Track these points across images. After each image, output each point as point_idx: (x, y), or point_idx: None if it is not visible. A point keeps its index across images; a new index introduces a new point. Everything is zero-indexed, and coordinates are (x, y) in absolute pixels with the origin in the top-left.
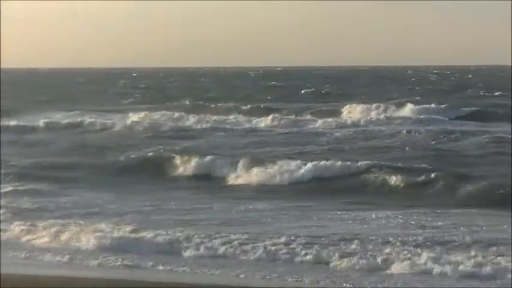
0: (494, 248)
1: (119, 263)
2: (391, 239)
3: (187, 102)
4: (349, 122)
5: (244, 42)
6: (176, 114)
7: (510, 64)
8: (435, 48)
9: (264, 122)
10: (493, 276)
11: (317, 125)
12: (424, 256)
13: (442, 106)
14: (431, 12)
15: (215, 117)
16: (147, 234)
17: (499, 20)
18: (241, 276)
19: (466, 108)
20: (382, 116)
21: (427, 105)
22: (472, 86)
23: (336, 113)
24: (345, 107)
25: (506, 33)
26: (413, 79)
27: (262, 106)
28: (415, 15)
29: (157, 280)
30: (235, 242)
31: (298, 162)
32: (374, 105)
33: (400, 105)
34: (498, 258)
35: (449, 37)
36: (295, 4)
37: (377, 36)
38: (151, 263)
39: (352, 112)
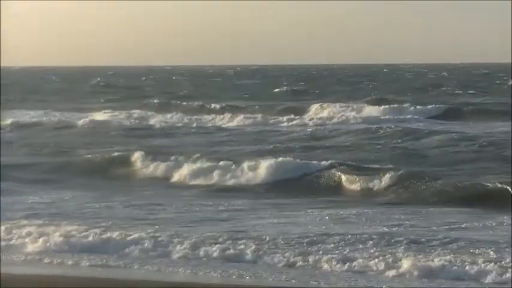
0: (454, 246)
1: (100, 262)
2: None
3: (155, 100)
4: (313, 120)
5: (228, 41)
6: (142, 113)
7: (484, 63)
8: (414, 47)
9: (229, 120)
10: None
11: (281, 124)
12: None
13: (412, 105)
14: (409, 11)
15: (180, 116)
16: (114, 235)
17: (479, 18)
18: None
19: (438, 106)
20: (348, 115)
21: (396, 105)
22: (446, 84)
23: (304, 111)
24: (313, 106)
25: (485, 31)
26: (392, 77)
27: (232, 105)
28: (394, 14)
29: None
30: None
31: (254, 161)
32: (343, 104)
33: (371, 104)
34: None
35: (428, 35)
36: (278, 3)
37: (357, 35)
38: (122, 263)
39: (319, 111)
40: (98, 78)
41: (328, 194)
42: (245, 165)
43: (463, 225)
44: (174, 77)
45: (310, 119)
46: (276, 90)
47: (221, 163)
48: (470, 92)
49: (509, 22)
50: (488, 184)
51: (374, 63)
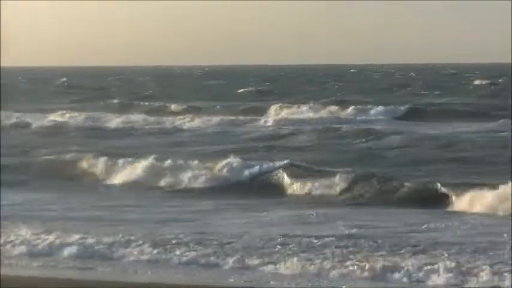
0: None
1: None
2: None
3: (116, 101)
4: (273, 121)
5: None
6: (100, 114)
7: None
8: (385, 47)
9: (189, 121)
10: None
11: (241, 125)
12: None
13: (375, 106)
14: (381, 11)
15: (138, 116)
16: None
17: (450, 18)
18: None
19: (401, 107)
20: (308, 115)
21: (359, 106)
22: (412, 85)
23: (264, 112)
24: (273, 106)
25: (457, 31)
26: (360, 77)
27: (194, 106)
28: (364, 15)
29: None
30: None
31: (209, 162)
32: (303, 105)
33: (334, 104)
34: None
35: (401, 35)
36: (254, 3)
37: (328, 35)
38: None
39: (279, 111)
40: (63, 79)
41: (280, 195)
42: (199, 165)
43: (423, 226)
44: (143, 78)
45: (270, 120)
46: (241, 90)
47: (174, 163)
48: (435, 92)
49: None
50: (438, 185)
51: (345, 64)
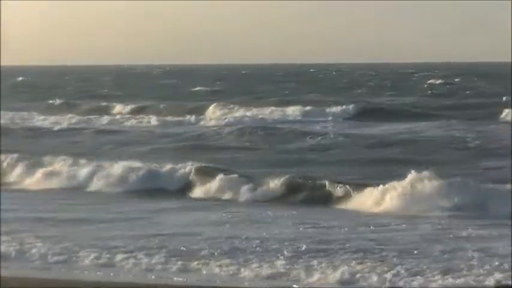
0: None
1: None
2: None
3: (57, 101)
4: (209, 121)
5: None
6: (32, 114)
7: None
8: (349, 47)
9: (125, 120)
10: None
11: (176, 124)
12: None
13: (321, 105)
14: (344, 11)
15: (72, 116)
16: None
17: (413, 18)
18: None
19: (348, 106)
20: (244, 115)
21: (309, 107)
22: (368, 84)
23: (204, 111)
24: (211, 106)
25: (418, 32)
26: (319, 76)
27: (141, 105)
28: (327, 14)
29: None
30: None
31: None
32: (239, 105)
33: (283, 104)
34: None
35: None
36: (220, 3)
37: (293, 34)
38: None
39: (216, 111)
40: (20, 78)
41: (184, 197)
42: (107, 167)
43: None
44: (102, 77)
45: (206, 120)
46: (195, 89)
47: (83, 165)
48: (389, 92)
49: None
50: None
51: (307, 63)
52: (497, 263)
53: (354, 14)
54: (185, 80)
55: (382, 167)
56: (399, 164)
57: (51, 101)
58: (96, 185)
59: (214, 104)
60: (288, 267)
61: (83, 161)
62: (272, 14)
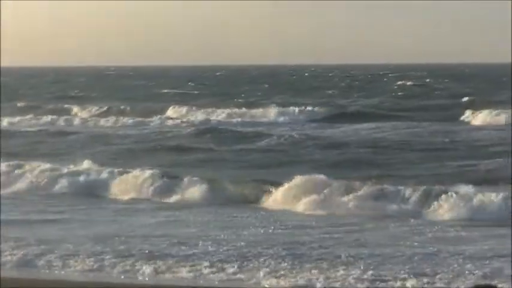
0: None
1: None
2: None
3: (22, 103)
4: (163, 123)
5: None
6: None
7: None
8: (326, 48)
9: (82, 122)
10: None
11: (128, 126)
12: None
13: (284, 106)
14: (321, 12)
15: (31, 117)
16: None
17: (391, 18)
18: None
19: (315, 109)
20: (198, 117)
21: (266, 108)
22: (338, 86)
23: (163, 112)
24: (170, 108)
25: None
26: (293, 78)
27: (111, 107)
28: (298, 15)
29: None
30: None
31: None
32: (194, 106)
33: (250, 106)
34: None
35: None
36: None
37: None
38: None
39: (175, 113)
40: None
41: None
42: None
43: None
44: (76, 79)
45: (159, 121)
46: (165, 91)
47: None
48: (356, 94)
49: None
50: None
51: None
52: None
53: (330, 15)
54: (158, 82)
55: (307, 168)
56: (333, 164)
57: (17, 103)
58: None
59: (172, 106)
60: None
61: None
62: (252, 14)
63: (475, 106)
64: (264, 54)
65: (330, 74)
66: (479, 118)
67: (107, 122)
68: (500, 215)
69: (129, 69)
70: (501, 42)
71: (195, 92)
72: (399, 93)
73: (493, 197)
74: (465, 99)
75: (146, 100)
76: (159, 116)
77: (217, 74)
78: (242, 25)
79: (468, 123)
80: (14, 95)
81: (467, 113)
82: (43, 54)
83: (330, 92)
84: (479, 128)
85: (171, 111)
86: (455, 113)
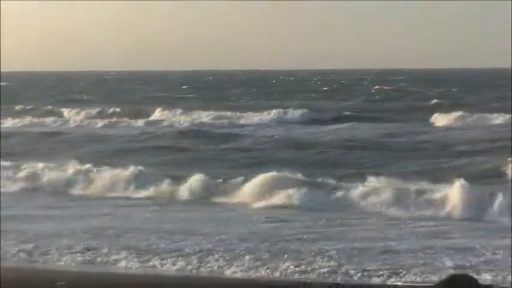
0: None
1: None
2: None
3: (19, 106)
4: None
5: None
6: None
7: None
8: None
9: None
10: None
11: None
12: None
13: (258, 110)
14: (308, 16)
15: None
16: None
17: (376, 22)
18: None
19: (291, 111)
20: (176, 120)
21: (245, 112)
22: (319, 90)
23: (148, 115)
24: (156, 111)
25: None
26: (280, 82)
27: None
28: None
29: None
30: None
31: None
32: (180, 110)
33: (230, 109)
34: None
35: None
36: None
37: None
38: None
39: (161, 115)
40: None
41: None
42: None
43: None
44: (75, 83)
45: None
46: (157, 94)
47: None
48: (337, 98)
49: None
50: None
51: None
52: None
53: (316, 21)
54: (153, 86)
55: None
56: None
57: (16, 106)
58: None
59: (159, 108)
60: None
61: None
62: (244, 20)
63: (442, 109)
64: (256, 59)
65: (314, 79)
66: (444, 120)
67: (96, 124)
68: (471, 212)
69: (125, 74)
70: (482, 48)
71: (188, 95)
72: (376, 97)
73: (454, 194)
74: (433, 101)
75: (139, 103)
76: (145, 119)
77: (209, 78)
78: (237, 33)
79: (432, 124)
80: (14, 98)
81: (435, 115)
82: (44, 59)
83: (313, 95)
84: (443, 129)
85: (157, 114)
86: (426, 115)
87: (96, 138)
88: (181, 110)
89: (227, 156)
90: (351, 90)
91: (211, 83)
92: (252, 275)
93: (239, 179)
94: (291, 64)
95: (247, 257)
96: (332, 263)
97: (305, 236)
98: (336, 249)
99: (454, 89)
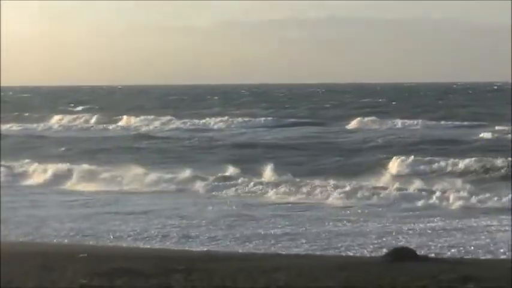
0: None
1: None
2: None
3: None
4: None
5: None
6: None
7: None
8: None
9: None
10: None
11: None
12: None
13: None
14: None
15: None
16: None
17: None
18: None
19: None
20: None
21: (216, 118)
22: (293, 102)
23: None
24: (124, 117)
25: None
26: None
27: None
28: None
29: None
30: None
31: None
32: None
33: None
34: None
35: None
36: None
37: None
38: None
39: (126, 121)
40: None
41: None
42: None
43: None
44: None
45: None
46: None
47: None
48: (304, 105)
49: None
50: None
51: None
52: None
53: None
54: (144, 98)
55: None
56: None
57: (17, 113)
58: None
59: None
60: None
61: None
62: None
63: (361, 115)
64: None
65: (281, 91)
66: (355, 124)
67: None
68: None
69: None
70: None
71: (166, 105)
72: (325, 105)
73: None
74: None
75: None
76: (114, 125)
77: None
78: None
79: (348, 129)
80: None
81: (354, 121)
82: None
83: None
84: (354, 131)
85: (124, 121)
86: (347, 120)
87: (63, 140)
88: (153, 117)
89: (160, 154)
90: (306, 101)
91: (194, 94)
92: None
93: None
94: (259, 80)
95: None
96: None
97: None
98: None
99: (384, 99)
